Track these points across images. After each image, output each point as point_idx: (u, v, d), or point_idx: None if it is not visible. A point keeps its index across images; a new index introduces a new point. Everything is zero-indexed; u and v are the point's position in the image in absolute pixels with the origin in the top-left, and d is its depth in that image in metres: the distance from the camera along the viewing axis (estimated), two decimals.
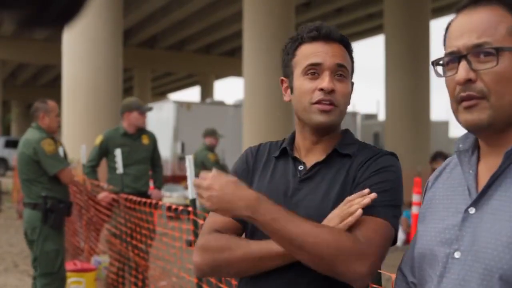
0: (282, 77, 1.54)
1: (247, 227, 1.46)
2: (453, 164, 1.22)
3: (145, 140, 5.27)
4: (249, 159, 1.55)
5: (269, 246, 1.34)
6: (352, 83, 1.50)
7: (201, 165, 7.07)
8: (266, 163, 1.52)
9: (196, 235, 2.90)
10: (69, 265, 4.91)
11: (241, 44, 13.99)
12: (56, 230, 4.38)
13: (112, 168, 5.11)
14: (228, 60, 30.11)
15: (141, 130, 5.32)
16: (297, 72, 1.46)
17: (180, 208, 3.52)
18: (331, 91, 1.41)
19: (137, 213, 4.51)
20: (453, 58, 1.08)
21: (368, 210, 1.29)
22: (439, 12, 21.08)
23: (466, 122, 1.07)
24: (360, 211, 1.28)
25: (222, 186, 1.31)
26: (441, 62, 1.12)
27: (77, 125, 12.64)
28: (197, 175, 1.71)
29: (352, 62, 1.50)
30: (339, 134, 1.51)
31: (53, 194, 4.35)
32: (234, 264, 1.36)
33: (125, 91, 20.38)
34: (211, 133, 7.77)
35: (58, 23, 0.51)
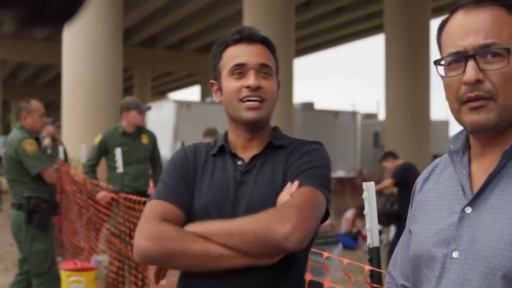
0: (212, 81, 1.62)
1: (191, 219, 1.49)
2: (442, 165, 1.23)
3: (144, 140, 5.27)
4: (189, 156, 1.59)
5: (229, 249, 1.38)
6: (278, 81, 1.58)
7: None
8: (206, 161, 1.58)
9: None
10: (69, 265, 4.91)
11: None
12: (41, 230, 4.36)
13: (111, 167, 5.11)
14: None
15: (141, 129, 5.31)
16: (224, 73, 1.55)
17: None
18: (258, 88, 1.50)
19: (136, 213, 4.51)
20: (459, 58, 1.08)
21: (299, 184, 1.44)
22: (439, 12, 21.06)
23: (473, 122, 1.07)
24: (294, 187, 1.42)
25: None
26: (442, 62, 1.11)
27: (77, 125, 12.64)
28: None
29: (276, 61, 1.60)
30: (270, 131, 1.61)
31: (36, 194, 4.34)
32: (190, 257, 1.37)
33: (125, 90, 20.38)
34: (211, 132, 7.78)
35: (57, 22, 0.51)
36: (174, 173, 1.54)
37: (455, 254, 1.06)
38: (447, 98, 1.12)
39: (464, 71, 1.06)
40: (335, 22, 24.36)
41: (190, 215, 1.49)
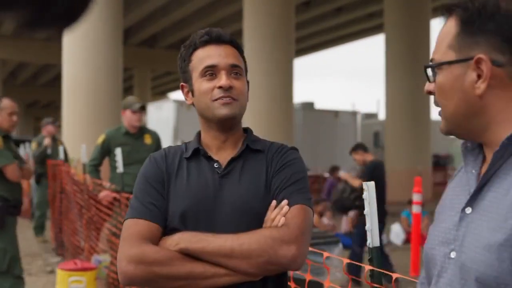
0: (182, 83, 1.61)
1: (169, 225, 1.48)
2: None
3: (147, 140, 5.26)
4: (160, 163, 1.55)
5: (215, 266, 1.38)
6: (248, 82, 1.59)
7: None
8: (180, 166, 1.55)
9: None
10: (69, 264, 4.91)
11: (241, 43, 14.01)
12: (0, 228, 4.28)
13: (113, 167, 5.11)
14: None
15: (144, 130, 5.31)
16: (195, 75, 1.54)
17: None
18: (230, 88, 1.50)
19: None
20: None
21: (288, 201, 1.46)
22: (439, 11, 21.05)
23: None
24: (286, 208, 1.44)
25: None
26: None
27: (77, 125, 12.64)
28: None
29: (245, 62, 1.60)
30: (242, 132, 1.61)
31: None
32: (174, 279, 1.37)
33: (125, 90, 20.38)
34: None
35: (60, 24, 0.51)
36: (146, 186, 1.52)
37: (452, 254, 1.08)
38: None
39: None
40: (335, 22, 24.36)
41: (167, 222, 1.48)
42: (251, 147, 1.56)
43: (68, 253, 6.91)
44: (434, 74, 1.11)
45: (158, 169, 1.54)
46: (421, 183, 7.10)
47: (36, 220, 8.64)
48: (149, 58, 28.77)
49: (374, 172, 6.24)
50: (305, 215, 1.44)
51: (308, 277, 1.99)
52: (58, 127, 9.17)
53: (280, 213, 1.43)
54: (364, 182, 1.65)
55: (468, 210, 1.07)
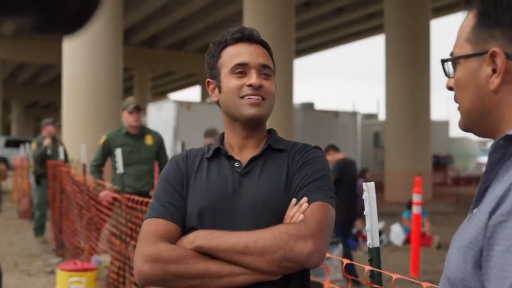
0: (209, 79, 1.59)
1: (187, 224, 1.47)
2: None
3: (148, 141, 5.26)
4: (180, 165, 1.55)
5: (231, 265, 1.35)
6: (275, 84, 1.58)
7: None
8: (200, 166, 1.54)
9: None
10: (69, 265, 4.91)
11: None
12: None
13: (114, 167, 5.12)
14: None
15: (145, 130, 5.31)
16: (224, 72, 1.52)
17: None
18: (259, 87, 1.48)
19: (138, 213, 4.51)
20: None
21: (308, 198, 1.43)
22: (439, 12, 21.06)
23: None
24: (305, 205, 1.41)
25: None
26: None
27: (77, 125, 12.64)
28: None
29: (274, 64, 1.59)
30: (266, 132, 1.59)
31: None
32: (190, 278, 1.35)
33: (125, 90, 20.38)
34: (211, 133, 7.78)
35: (69, 29, 0.51)
36: (166, 186, 1.51)
37: None
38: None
39: None
40: (335, 22, 24.37)
41: (185, 220, 1.48)
42: (273, 147, 1.54)
43: (68, 254, 6.91)
44: (454, 68, 1.06)
45: (178, 170, 1.53)
46: (421, 183, 7.11)
47: (36, 221, 8.64)
48: (149, 58, 28.78)
49: (343, 171, 6.33)
50: (325, 212, 1.41)
51: None
52: (58, 127, 9.17)
53: (299, 210, 1.41)
54: (364, 183, 1.65)
55: (476, 211, 1.04)
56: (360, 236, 8.52)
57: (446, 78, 1.09)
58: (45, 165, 8.29)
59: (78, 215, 6.30)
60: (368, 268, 1.70)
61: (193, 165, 1.54)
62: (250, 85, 1.48)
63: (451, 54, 1.08)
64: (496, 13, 0.99)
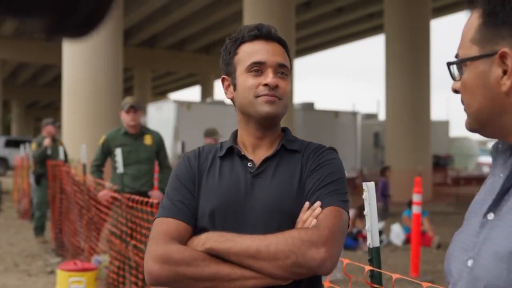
0: (224, 76, 1.56)
1: (198, 224, 1.46)
2: None
3: (147, 141, 5.26)
4: (192, 162, 1.52)
5: (242, 268, 1.33)
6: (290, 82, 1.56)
7: None
8: (212, 164, 1.51)
9: None
10: (69, 265, 4.91)
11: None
12: None
13: (114, 167, 5.12)
14: None
15: (144, 130, 5.31)
16: (240, 69, 1.49)
17: None
18: (275, 87, 1.46)
19: (138, 213, 4.51)
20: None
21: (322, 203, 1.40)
22: (439, 12, 21.06)
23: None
24: (319, 209, 1.38)
25: None
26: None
27: (77, 125, 12.65)
28: None
29: (290, 62, 1.56)
30: (280, 132, 1.57)
31: None
32: (200, 281, 1.33)
33: (125, 91, 20.39)
34: (211, 133, 7.77)
35: (81, 31, 0.51)
36: (177, 185, 1.49)
37: (469, 263, 1.00)
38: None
39: None
40: (335, 22, 24.37)
41: (196, 219, 1.46)
42: (287, 147, 1.51)
43: (68, 254, 6.91)
44: (460, 71, 1.03)
45: (190, 168, 1.51)
46: (421, 183, 7.11)
47: (36, 221, 8.63)
48: (149, 58, 28.79)
49: None
50: (338, 217, 1.38)
51: None
52: (58, 127, 9.16)
53: (312, 215, 1.38)
54: (364, 183, 1.65)
55: (490, 216, 1.00)
56: (360, 236, 8.51)
57: (448, 79, 1.06)
58: (45, 165, 8.28)
59: (78, 215, 6.30)
60: (368, 268, 1.70)
61: (206, 163, 1.51)
62: (266, 85, 1.45)
63: (456, 56, 1.05)
64: (504, 13, 0.97)
